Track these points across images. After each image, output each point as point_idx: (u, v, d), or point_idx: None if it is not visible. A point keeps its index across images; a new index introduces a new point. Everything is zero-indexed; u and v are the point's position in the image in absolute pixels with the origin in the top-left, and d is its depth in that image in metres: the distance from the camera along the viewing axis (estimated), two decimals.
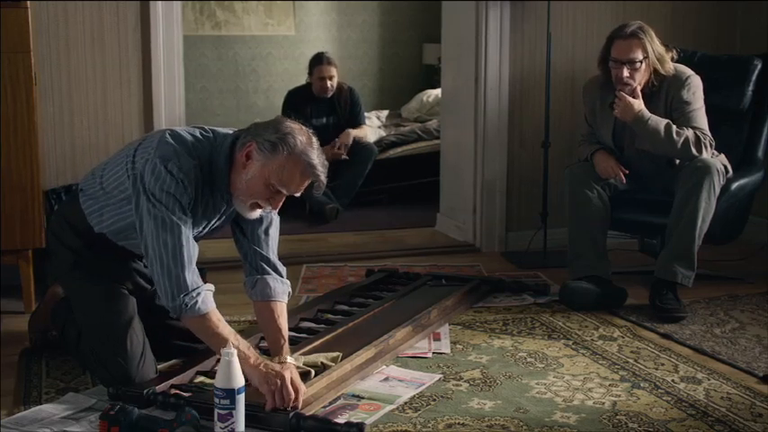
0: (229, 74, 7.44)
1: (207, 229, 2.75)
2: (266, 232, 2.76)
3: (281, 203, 2.59)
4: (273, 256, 2.77)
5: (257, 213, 2.63)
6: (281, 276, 2.77)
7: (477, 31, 4.48)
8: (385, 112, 6.97)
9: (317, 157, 2.50)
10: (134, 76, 3.98)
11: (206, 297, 2.51)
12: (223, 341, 2.44)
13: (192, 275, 2.50)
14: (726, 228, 3.76)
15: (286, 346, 2.65)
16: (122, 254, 2.79)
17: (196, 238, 2.80)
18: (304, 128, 2.55)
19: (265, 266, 2.74)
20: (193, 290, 2.48)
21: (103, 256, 2.75)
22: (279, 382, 2.43)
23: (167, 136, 2.57)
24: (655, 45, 3.59)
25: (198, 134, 2.61)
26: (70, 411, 2.51)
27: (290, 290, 2.79)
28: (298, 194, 2.57)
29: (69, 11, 3.85)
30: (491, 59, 4.46)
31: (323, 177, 2.52)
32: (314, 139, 2.54)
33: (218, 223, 2.77)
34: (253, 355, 2.49)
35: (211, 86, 7.40)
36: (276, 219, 2.79)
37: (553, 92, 4.37)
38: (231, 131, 2.64)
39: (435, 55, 6.96)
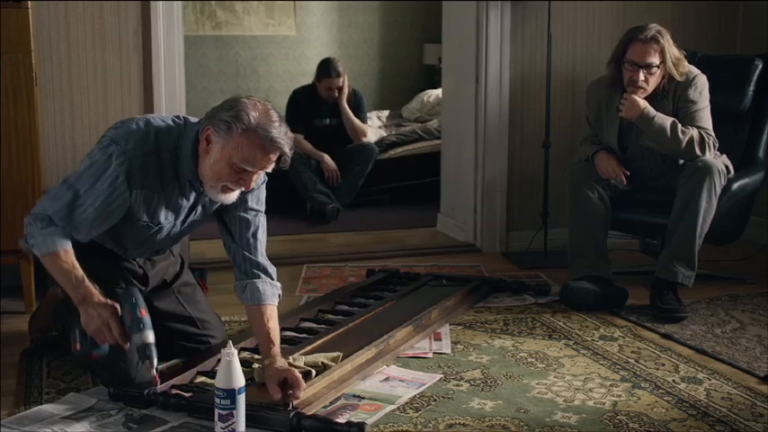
0: (230, 74, 7.44)
1: (186, 223, 2.73)
2: (254, 236, 2.72)
3: (252, 182, 2.53)
4: (263, 259, 2.73)
5: (232, 197, 2.58)
6: (272, 279, 2.72)
7: (477, 31, 4.48)
8: (386, 113, 6.97)
9: (276, 129, 2.44)
10: (135, 77, 3.98)
11: (51, 236, 2.50)
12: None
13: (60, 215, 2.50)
14: (727, 228, 3.76)
15: (275, 349, 2.60)
16: (111, 255, 2.78)
17: (178, 235, 2.80)
18: (260, 102, 2.49)
19: (255, 271, 2.70)
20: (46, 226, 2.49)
21: (93, 258, 2.71)
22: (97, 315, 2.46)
23: (135, 120, 2.60)
24: (672, 50, 3.57)
25: (170, 121, 2.62)
26: (71, 411, 2.51)
27: (280, 291, 2.74)
28: (268, 170, 2.52)
29: (70, 11, 3.85)
30: (491, 59, 4.46)
31: (287, 149, 2.46)
32: (272, 111, 2.48)
33: (194, 216, 2.74)
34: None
35: (212, 87, 7.40)
36: (263, 221, 2.76)
37: (554, 92, 4.37)
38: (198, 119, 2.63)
39: (436, 55, 6.96)
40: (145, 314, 2.46)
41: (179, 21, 4.04)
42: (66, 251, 2.52)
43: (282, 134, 2.45)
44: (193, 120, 2.64)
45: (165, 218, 2.66)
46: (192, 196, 2.66)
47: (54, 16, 3.83)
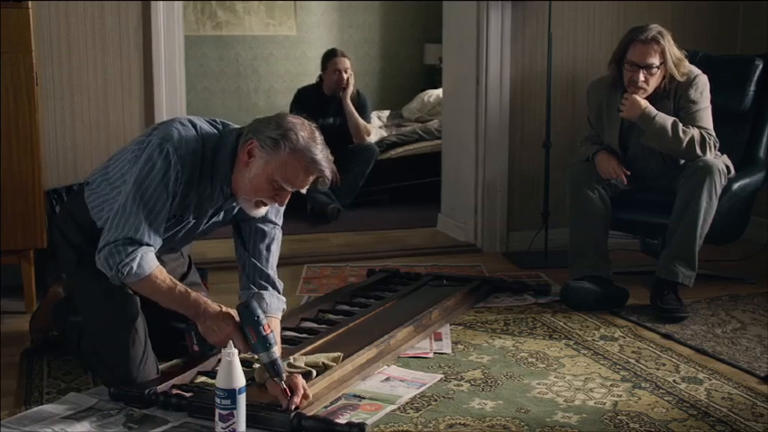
0: (231, 74, 7.44)
1: (207, 224, 2.73)
2: (268, 248, 2.74)
3: (286, 200, 2.57)
4: (273, 272, 2.75)
5: (262, 211, 2.61)
6: (279, 292, 2.74)
7: (477, 31, 4.48)
8: (386, 113, 6.97)
9: (320, 152, 2.47)
10: (135, 77, 3.98)
11: (143, 258, 2.48)
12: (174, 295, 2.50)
13: (146, 233, 2.47)
14: (727, 228, 3.76)
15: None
16: None
17: (198, 234, 2.80)
18: (306, 122, 2.53)
19: (263, 282, 2.72)
20: (133, 251, 2.45)
21: None
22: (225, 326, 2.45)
23: (178, 120, 2.60)
24: (673, 50, 3.57)
25: (211, 124, 2.63)
26: (71, 411, 2.51)
27: (285, 306, 2.76)
28: (303, 190, 2.55)
29: (71, 11, 3.86)
30: (492, 59, 4.46)
31: (327, 172, 2.50)
32: (317, 134, 2.51)
33: (216, 219, 2.74)
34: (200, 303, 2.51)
35: (213, 87, 7.40)
36: (279, 234, 2.78)
37: (554, 92, 4.37)
38: (237, 127, 2.64)
39: (436, 55, 6.96)
40: (269, 331, 2.43)
41: (179, 21, 4.04)
42: (160, 269, 2.51)
43: (325, 157, 2.48)
44: (232, 126, 2.65)
45: (193, 215, 2.67)
46: (220, 200, 2.67)
47: (54, 16, 3.83)
